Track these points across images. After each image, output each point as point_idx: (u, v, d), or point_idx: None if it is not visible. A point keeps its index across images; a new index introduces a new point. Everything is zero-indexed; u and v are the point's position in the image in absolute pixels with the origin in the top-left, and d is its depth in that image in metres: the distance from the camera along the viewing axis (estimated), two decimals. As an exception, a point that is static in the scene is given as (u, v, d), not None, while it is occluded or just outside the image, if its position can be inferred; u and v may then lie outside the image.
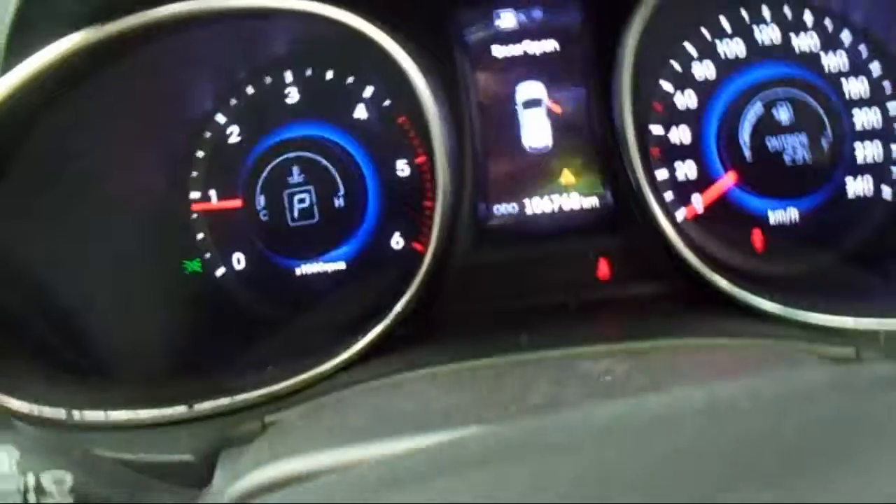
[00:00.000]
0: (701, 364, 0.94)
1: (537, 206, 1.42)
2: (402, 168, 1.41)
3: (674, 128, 1.39)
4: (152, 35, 1.19)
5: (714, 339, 1.06)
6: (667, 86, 1.38)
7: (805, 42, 1.40)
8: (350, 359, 1.16)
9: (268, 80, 1.43)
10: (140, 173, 1.40)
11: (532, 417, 0.55)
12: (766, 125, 1.34)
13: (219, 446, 0.98)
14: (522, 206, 1.42)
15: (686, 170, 1.39)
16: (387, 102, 1.41)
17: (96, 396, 1.09)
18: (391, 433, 0.73)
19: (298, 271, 1.43)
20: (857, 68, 1.40)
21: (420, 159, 1.40)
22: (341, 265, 1.43)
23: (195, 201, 1.45)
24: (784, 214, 1.41)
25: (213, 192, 1.45)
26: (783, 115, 1.33)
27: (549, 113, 1.40)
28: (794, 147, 1.34)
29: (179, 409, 1.07)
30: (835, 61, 1.40)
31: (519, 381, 0.89)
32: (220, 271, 1.45)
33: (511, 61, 1.41)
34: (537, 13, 1.39)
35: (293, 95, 1.43)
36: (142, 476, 0.86)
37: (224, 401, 1.08)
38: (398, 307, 1.22)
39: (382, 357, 1.17)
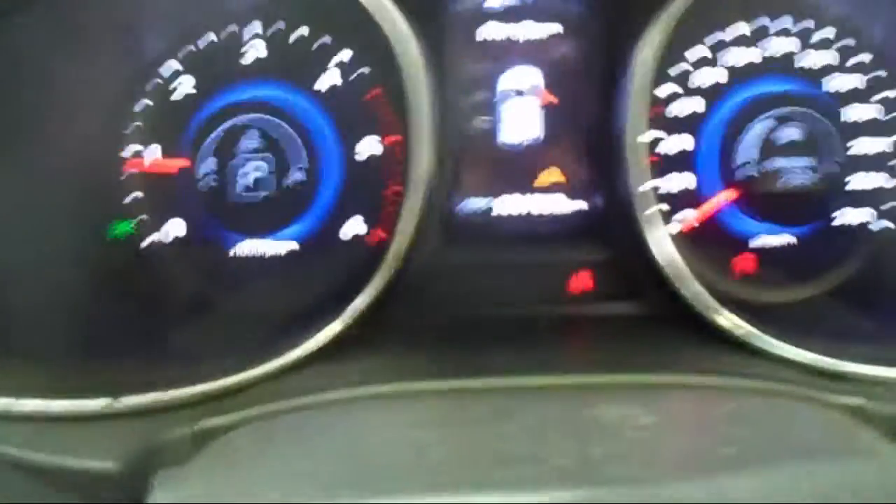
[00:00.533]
0: (736, 419, 0.82)
1: (515, 204, 1.28)
2: (371, 146, 1.25)
3: (674, 135, 1.27)
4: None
5: (713, 377, 0.95)
6: (672, 88, 1.26)
7: (821, 59, 1.29)
8: (298, 360, 1.01)
9: (231, 28, 1.26)
10: (71, 119, 1.21)
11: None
12: (775, 143, 1.23)
13: (145, 455, 0.82)
14: (498, 203, 1.29)
15: (682, 181, 1.27)
16: (364, 70, 1.25)
17: (4, 380, 0.92)
18: (381, 491, 0.59)
19: (241, 248, 1.27)
20: (872, 93, 1.30)
21: (391, 138, 1.24)
22: (291, 245, 1.26)
23: (133, 156, 1.27)
24: (778, 239, 1.31)
25: (155, 148, 1.27)
26: (794, 133, 1.23)
27: (540, 103, 1.27)
28: (802, 169, 1.24)
29: (102, 402, 0.90)
30: (849, 82, 1.30)
31: (522, 425, 0.76)
32: (153, 238, 1.28)
33: (504, 43, 1.26)
34: (537, -10, 1.26)
35: (258, 50, 1.25)
36: (49, 491, 0.70)
37: (154, 396, 0.92)
38: (357, 305, 1.08)
39: (333, 361, 1.03)
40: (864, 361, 1.03)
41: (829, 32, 1.29)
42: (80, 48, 1.18)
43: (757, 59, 1.27)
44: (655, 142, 1.25)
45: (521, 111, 1.27)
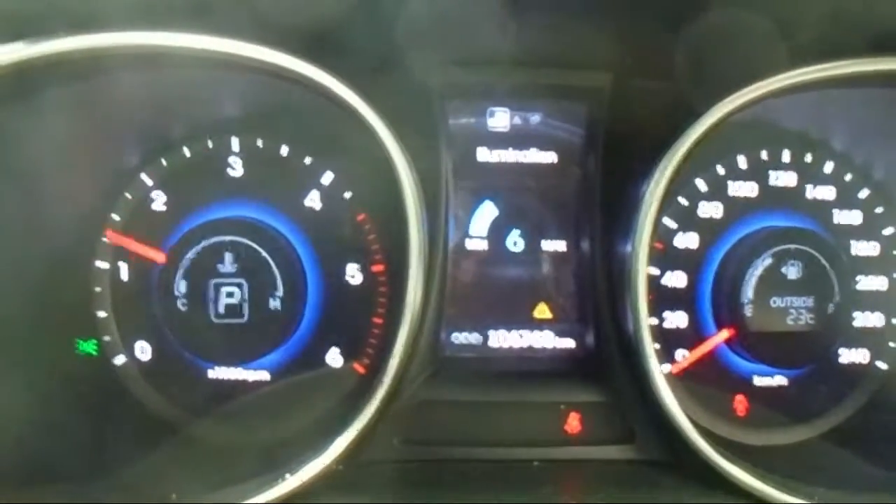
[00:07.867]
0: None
1: (503, 339, 1.22)
2: (353, 274, 1.19)
3: (670, 272, 1.21)
4: (81, 66, 0.98)
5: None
6: (670, 223, 1.21)
7: (820, 194, 1.25)
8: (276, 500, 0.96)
9: (209, 144, 1.20)
10: (35, 230, 1.13)
11: None
12: (773, 282, 1.17)
13: None
14: (486, 338, 1.22)
15: (676, 320, 1.22)
16: (347, 194, 1.19)
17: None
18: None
19: (212, 374, 1.20)
20: (871, 230, 1.26)
21: (376, 267, 1.18)
22: (265, 375, 1.20)
23: (100, 272, 1.20)
24: (771, 380, 1.25)
25: (123, 266, 1.20)
26: (792, 273, 1.17)
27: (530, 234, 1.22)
28: (799, 310, 1.18)
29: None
30: (848, 219, 1.26)
31: None
32: (120, 359, 1.21)
33: (497, 168, 1.21)
34: (535, 117, 1.20)
35: (237, 168, 1.19)
36: None
37: None
38: (340, 441, 1.01)
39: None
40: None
41: (828, 167, 1.25)
42: (51, 154, 1.10)
43: (757, 194, 1.23)
44: (652, 277, 1.20)
45: (513, 242, 1.21)
